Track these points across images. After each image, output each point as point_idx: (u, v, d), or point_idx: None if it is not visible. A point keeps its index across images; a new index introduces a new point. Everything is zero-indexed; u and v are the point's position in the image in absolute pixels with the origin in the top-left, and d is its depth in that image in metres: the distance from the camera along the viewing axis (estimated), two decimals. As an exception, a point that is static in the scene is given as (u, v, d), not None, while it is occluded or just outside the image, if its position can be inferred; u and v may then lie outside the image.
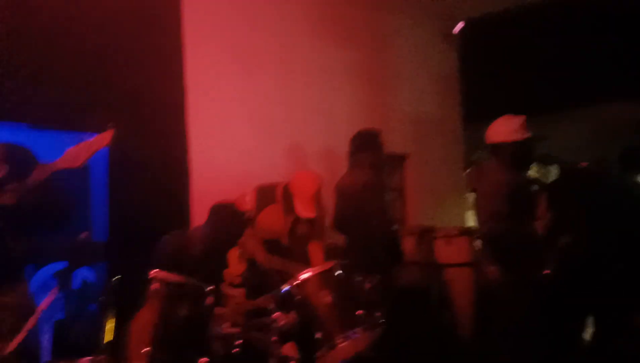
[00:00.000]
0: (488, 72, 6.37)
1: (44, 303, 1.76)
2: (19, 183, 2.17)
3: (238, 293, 3.17)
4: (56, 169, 2.17)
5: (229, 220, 2.92)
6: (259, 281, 3.18)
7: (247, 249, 3.20)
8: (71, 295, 4.46)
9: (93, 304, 4.13)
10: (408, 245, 4.40)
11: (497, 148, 2.95)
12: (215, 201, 3.22)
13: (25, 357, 2.27)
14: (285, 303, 2.13)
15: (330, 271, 2.21)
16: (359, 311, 2.14)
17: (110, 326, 1.88)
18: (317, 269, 2.20)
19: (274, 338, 2.09)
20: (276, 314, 2.11)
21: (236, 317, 2.53)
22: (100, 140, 2.18)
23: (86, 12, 3.58)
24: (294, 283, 2.13)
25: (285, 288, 2.14)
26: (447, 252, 4.42)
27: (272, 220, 3.32)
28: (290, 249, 3.34)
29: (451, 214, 5.75)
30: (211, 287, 2.01)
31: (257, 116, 4.44)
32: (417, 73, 5.80)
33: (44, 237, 2.55)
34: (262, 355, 2.23)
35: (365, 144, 3.61)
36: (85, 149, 2.17)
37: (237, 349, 2.05)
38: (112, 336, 1.88)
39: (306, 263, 3.39)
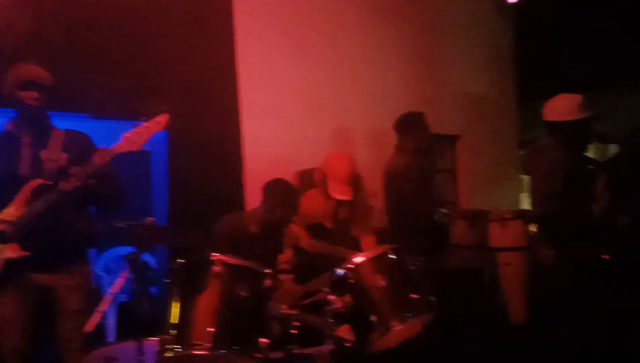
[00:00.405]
0: (544, 47, 6.13)
1: (115, 285, 1.86)
2: (81, 168, 2.24)
3: (287, 278, 3.26)
4: (116, 153, 2.23)
5: (281, 194, 2.98)
6: (306, 266, 3.24)
7: (291, 235, 3.27)
8: (133, 278, 4.70)
9: (154, 286, 4.35)
10: (460, 228, 4.36)
11: (554, 127, 2.86)
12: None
13: (94, 338, 2.44)
14: (340, 286, 2.17)
15: (384, 255, 2.23)
16: (413, 295, 2.15)
17: (174, 308, 1.97)
18: (371, 253, 2.22)
19: (329, 320, 2.13)
20: (331, 297, 2.15)
21: (292, 299, 2.61)
22: (156, 124, 2.22)
23: (139, 2, 3.69)
24: (348, 267, 2.16)
25: (340, 271, 2.17)
26: (501, 235, 4.35)
27: (313, 205, 3.34)
28: (335, 233, 3.37)
29: (505, 196, 5.63)
30: (269, 270, 2.07)
31: (308, 97, 4.47)
32: (470, 49, 5.65)
33: (107, 221, 2.70)
34: (318, 337, 2.30)
35: (410, 126, 3.58)
36: (142, 133, 2.21)
37: (295, 330, 2.12)
38: (177, 317, 1.96)
39: (351, 247, 3.43)
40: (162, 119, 2.19)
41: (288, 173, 3.63)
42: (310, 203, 3.35)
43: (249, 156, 4.06)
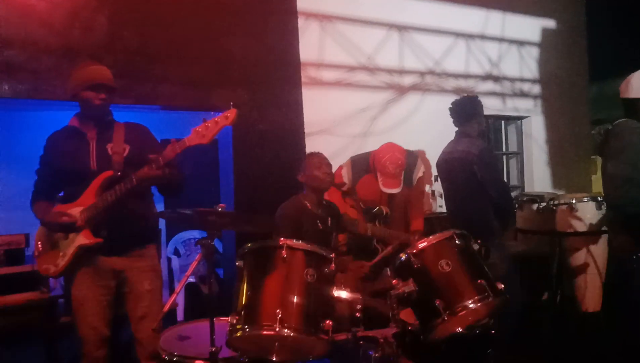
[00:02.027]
0: (616, 23, 5.75)
1: (190, 268, 1.96)
2: (154, 159, 2.35)
3: (349, 259, 3.30)
4: (186, 146, 2.31)
5: (318, 157, 3.06)
6: (362, 250, 3.25)
7: (346, 222, 3.28)
8: (202, 261, 4.91)
9: (219, 268, 4.52)
10: (527, 212, 4.22)
11: (632, 105, 2.70)
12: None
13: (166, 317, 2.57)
14: (404, 271, 2.17)
15: (449, 240, 2.21)
16: (480, 281, 2.12)
17: (243, 289, 2.05)
18: (435, 238, 2.20)
19: (393, 304, 2.15)
20: (395, 281, 2.17)
21: (355, 283, 2.65)
22: (224, 118, 2.26)
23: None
24: (413, 252, 2.16)
25: (404, 256, 2.17)
26: (570, 220, 4.17)
27: (368, 189, 3.35)
28: (390, 217, 3.35)
29: (575, 179, 5.38)
30: (333, 254, 2.10)
31: (366, 92, 4.45)
32: (539, 27, 5.41)
33: (179, 207, 2.83)
34: (381, 320, 2.32)
35: (472, 111, 3.50)
36: (211, 127, 2.26)
37: (359, 313, 2.15)
38: (246, 299, 2.04)
39: (407, 230, 3.41)
40: (230, 114, 2.23)
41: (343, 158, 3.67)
42: (366, 188, 3.35)
43: (311, 146, 4.11)
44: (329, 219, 3.10)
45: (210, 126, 2.26)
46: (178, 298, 4.61)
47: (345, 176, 3.48)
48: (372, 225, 3.25)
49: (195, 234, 5.22)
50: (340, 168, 3.55)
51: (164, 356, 2.17)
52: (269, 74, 3.97)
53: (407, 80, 4.71)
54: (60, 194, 2.65)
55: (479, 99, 3.55)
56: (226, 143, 3.94)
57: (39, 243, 2.59)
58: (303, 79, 4.15)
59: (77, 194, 2.49)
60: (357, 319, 2.14)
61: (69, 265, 2.48)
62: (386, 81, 4.59)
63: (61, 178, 2.59)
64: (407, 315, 2.23)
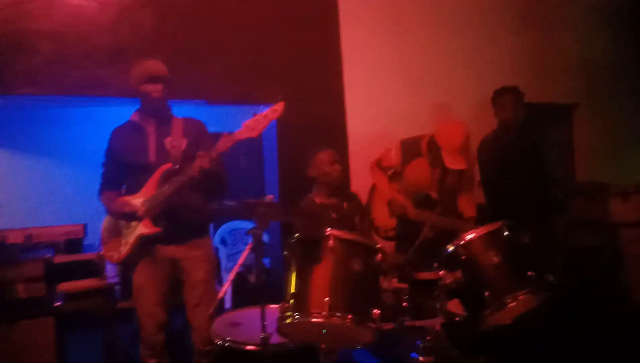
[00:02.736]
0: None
1: (242, 257, 2.02)
2: (207, 153, 2.43)
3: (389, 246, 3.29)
4: (237, 140, 2.38)
5: (329, 154, 3.15)
6: (411, 235, 3.22)
7: (395, 207, 3.28)
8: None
9: (265, 257, 4.62)
10: (579, 203, 4.11)
11: None
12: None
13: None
14: (451, 262, 2.17)
15: (498, 231, 2.19)
16: (529, 272, 2.09)
17: (292, 278, 2.11)
18: (483, 229, 2.19)
19: (440, 295, 2.15)
20: (442, 272, 2.17)
21: (401, 272, 2.66)
22: (273, 112, 2.32)
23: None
24: (460, 243, 2.15)
25: (451, 248, 2.17)
26: (623, 210, 4.04)
27: (419, 173, 3.29)
28: (440, 202, 3.31)
29: (628, 169, 5.17)
30: (379, 245, 2.13)
31: (410, 74, 4.41)
32: (585, 12, 5.20)
33: (228, 199, 2.91)
34: (428, 310, 2.33)
35: (504, 100, 3.43)
36: (260, 120, 2.33)
37: (406, 303, 2.17)
38: (295, 287, 2.09)
39: (457, 216, 3.35)
40: (279, 108, 2.30)
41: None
42: (416, 173, 3.30)
43: (353, 135, 4.12)
44: (344, 204, 3.17)
45: (259, 120, 2.33)
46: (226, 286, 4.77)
47: (395, 159, 3.43)
48: (424, 211, 3.19)
49: (241, 224, 5.34)
50: (389, 149, 3.48)
51: (217, 341, 2.25)
52: (310, 65, 3.99)
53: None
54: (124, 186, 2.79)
55: (515, 88, 3.53)
56: (270, 134, 4.00)
57: (105, 231, 2.74)
58: (346, 67, 4.15)
59: (138, 186, 2.61)
60: (403, 309, 2.16)
61: (130, 252, 2.60)
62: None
63: (124, 170, 2.71)
64: (455, 306, 2.22)
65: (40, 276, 2.51)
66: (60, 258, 2.98)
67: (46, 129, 5.17)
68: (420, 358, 2.14)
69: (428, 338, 2.17)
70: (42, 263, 2.52)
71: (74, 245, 3.28)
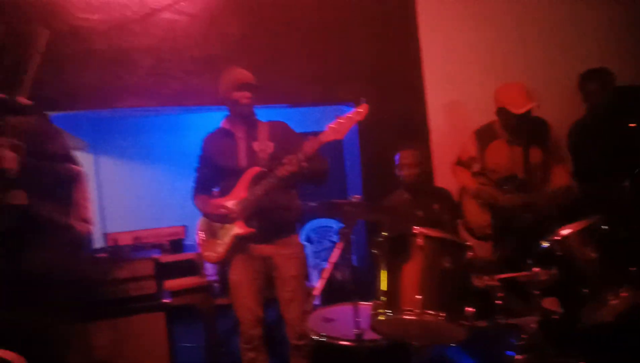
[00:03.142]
0: None
1: (333, 255, 2.09)
2: (295, 156, 2.51)
3: (486, 245, 3.23)
4: (323, 142, 2.44)
5: (411, 154, 3.20)
6: (507, 224, 3.14)
7: (484, 196, 3.21)
8: (333, 248, 5.13)
9: (352, 255, 4.69)
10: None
11: None
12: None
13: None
14: (546, 258, 2.12)
15: (594, 226, 2.11)
16: (631, 268, 2.00)
17: (383, 276, 2.15)
18: (580, 224, 2.11)
19: (535, 292, 2.11)
20: (536, 269, 2.12)
21: (491, 270, 2.62)
22: (357, 113, 2.36)
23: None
24: (555, 239, 2.10)
25: (546, 244, 2.12)
26: None
27: (499, 156, 3.21)
28: (528, 180, 3.16)
29: None
30: (469, 243, 2.12)
31: (491, 62, 4.27)
32: None
33: (309, 200, 3.01)
34: (522, 308, 2.29)
35: (591, 85, 3.29)
36: (345, 122, 2.38)
37: (499, 301, 2.14)
38: (385, 285, 2.14)
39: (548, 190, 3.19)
40: (362, 109, 2.33)
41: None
42: (496, 155, 3.22)
43: (435, 131, 4.08)
44: (434, 204, 3.14)
45: (343, 122, 2.38)
46: (314, 282, 4.91)
47: (472, 149, 3.37)
48: (513, 195, 3.10)
49: (326, 222, 5.46)
50: (464, 143, 3.44)
51: (312, 336, 2.35)
52: (390, 62, 3.99)
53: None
54: (216, 189, 2.97)
55: (603, 69, 3.39)
56: (351, 134, 4.05)
57: (201, 232, 2.94)
58: (425, 62, 4.11)
59: (230, 189, 2.77)
60: (497, 306, 2.14)
61: (227, 252, 2.76)
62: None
63: (216, 174, 2.89)
64: (551, 304, 2.17)
65: (151, 275, 2.73)
66: (165, 258, 3.23)
67: (147, 136, 5.58)
68: (516, 357, 2.12)
69: (523, 336, 2.14)
70: (151, 263, 2.74)
71: (176, 245, 3.54)
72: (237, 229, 2.71)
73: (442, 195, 3.33)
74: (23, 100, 1.19)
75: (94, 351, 2.53)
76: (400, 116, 3.97)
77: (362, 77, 3.91)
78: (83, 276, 2.41)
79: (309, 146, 2.48)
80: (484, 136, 3.29)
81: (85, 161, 5.24)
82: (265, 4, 3.76)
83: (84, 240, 1.22)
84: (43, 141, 1.17)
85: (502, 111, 3.12)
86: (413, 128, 4.03)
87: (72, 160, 1.22)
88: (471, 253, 2.11)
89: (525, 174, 3.14)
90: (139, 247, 3.28)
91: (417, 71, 4.07)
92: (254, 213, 2.72)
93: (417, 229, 2.10)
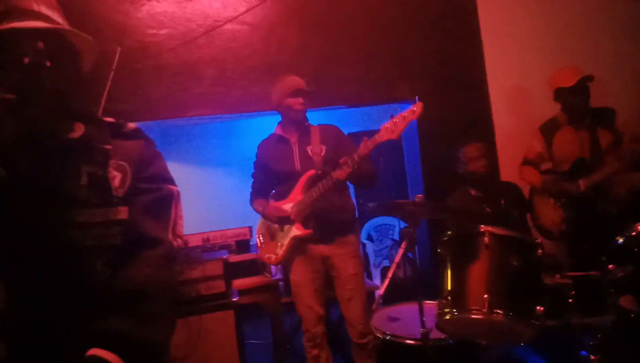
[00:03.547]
0: None
1: (398, 255, 2.11)
2: (350, 158, 2.53)
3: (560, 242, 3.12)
4: (377, 143, 2.44)
5: (475, 149, 3.10)
6: (581, 219, 3.03)
7: (552, 186, 3.13)
8: (394, 245, 5.13)
9: (410, 254, 4.67)
10: None
11: None
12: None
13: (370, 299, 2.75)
14: (621, 254, 2.04)
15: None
16: None
17: (448, 275, 2.15)
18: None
19: (611, 290, 2.03)
20: (611, 266, 2.04)
21: (563, 268, 2.54)
22: (411, 113, 2.33)
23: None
24: (631, 235, 2.01)
25: (621, 240, 2.04)
26: None
27: (566, 144, 3.14)
28: (597, 162, 3.04)
29: None
30: (539, 240, 2.07)
31: (556, 51, 4.12)
32: None
33: (369, 198, 3.03)
34: (596, 307, 2.21)
35: None
36: (399, 122, 2.35)
37: (571, 300, 2.08)
38: (450, 284, 2.13)
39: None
40: (417, 108, 2.29)
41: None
42: (563, 144, 3.16)
43: (500, 126, 3.99)
44: (502, 200, 3.05)
45: (398, 122, 2.37)
46: (376, 281, 4.93)
47: (538, 145, 3.30)
48: (584, 179, 2.99)
49: (386, 220, 5.46)
50: (529, 142, 3.37)
51: (378, 335, 2.37)
52: (450, 59, 3.94)
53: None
54: (273, 192, 3.06)
55: None
56: (411, 132, 4.03)
57: (260, 235, 3.04)
58: (487, 55, 4.03)
59: (286, 192, 2.86)
60: (569, 305, 2.08)
61: (286, 253, 2.85)
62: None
63: (272, 178, 2.99)
64: (628, 302, 2.08)
65: (220, 274, 2.84)
66: (232, 258, 3.35)
67: (212, 141, 5.80)
68: (591, 357, 2.05)
69: (599, 335, 2.06)
70: (221, 263, 2.85)
71: (242, 245, 3.67)
72: (296, 231, 2.78)
73: (510, 190, 3.24)
74: (131, 125, 1.31)
75: (170, 349, 2.67)
76: (462, 112, 3.92)
77: (421, 74, 3.89)
78: (177, 289, 2.56)
79: (364, 147, 2.49)
80: (549, 129, 3.25)
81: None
82: (322, 10, 3.82)
83: (178, 254, 1.32)
84: (146, 163, 1.28)
85: (558, 93, 3.14)
86: (477, 125, 3.96)
87: (170, 181, 1.34)
88: (540, 251, 2.06)
89: (594, 157, 3.04)
90: (208, 248, 3.43)
91: (479, 63, 3.99)
92: (311, 215, 2.79)
93: (483, 227, 2.08)
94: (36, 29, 1.11)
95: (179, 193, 1.35)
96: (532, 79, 4.03)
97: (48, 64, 1.13)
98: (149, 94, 3.53)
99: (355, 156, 2.52)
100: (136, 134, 1.32)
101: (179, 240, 1.30)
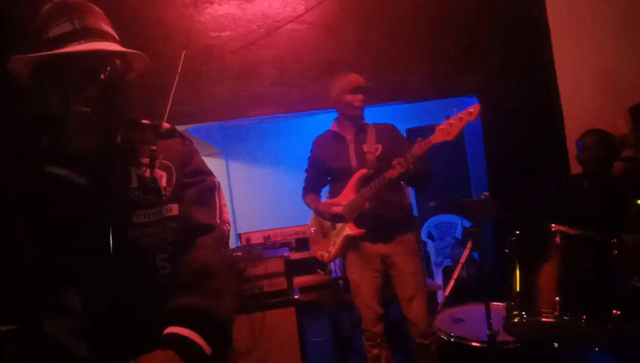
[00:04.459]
0: None
1: (464, 256, 2.07)
2: (404, 159, 2.51)
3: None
4: (432, 144, 2.41)
5: (592, 136, 2.81)
6: None
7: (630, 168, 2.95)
8: (457, 244, 5.02)
9: (475, 252, 4.55)
10: None
11: None
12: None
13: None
14: None
15: None
16: None
17: (517, 276, 2.07)
18: None
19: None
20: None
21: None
22: (468, 114, 2.29)
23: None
24: None
25: None
26: None
27: None
28: None
29: None
30: (615, 239, 1.96)
31: (631, 32, 3.86)
32: None
33: (428, 196, 2.97)
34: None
35: None
36: (455, 123, 2.32)
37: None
38: (519, 285, 2.06)
39: None
40: (474, 110, 2.26)
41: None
42: None
43: (570, 118, 3.79)
44: (606, 196, 2.82)
45: (454, 123, 2.33)
46: (437, 281, 4.84)
47: (624, 127, 3.10)
48: None
49: (446, 218, 5.35)
50: (616, 121, 3.17)
51: (442, 336, 2.33)
52: (514, 51, 3.79)
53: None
54: (326, 189, 3.07)
55: None
56: (474, 129, 3.92)
57: (313, 232, 3.06)
58: (555, 43, 3.84)
59: (340, 190, 2.87)
60: (650, 310, 1.96)
61: (338, 252, 2.88)
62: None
63: (325, 175, 3.01)
64: None
65: (282, 272, 2.89)
66: (293, 255, 3.40)
67: (271, 140, 5.91)
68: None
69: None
70: (282, 260, 2.91)
71: (302, 243, 3.72)
72: (349, 230, 2.79)
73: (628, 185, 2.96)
74: (166, 125, 1.39)
75: (234, 343, 2.75)
76: (528, 107, 3.76)
77: (485, 68, 3.77)
78: (237, 268, 2.65)
79: (418, 148, 2.47)
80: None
81: (218, 166, 5.75)
82: (380, 4, 3.78)
83: (228, 238, 1.40)
84: (187, 160, 1.37)
85: None
86: (545, 117, 3.78)
87: (210, 173, 1.42)
88: (616, 251, 1.94)
89: None
90: (269, 246, 3.50)
91: (547, 56, 3.81)
92: (365, 214, 2.78)
93: (555, 227, 1.99)
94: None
95: (219, 183, 1.44)
96: (604, 71, 3.81)
97: (125, 80, 1.24)
98: (212, 96, 3.63)
99: (409, 157, 2.50)
100: (173, 133, 1.40)
101: (227, 225, 1.38)
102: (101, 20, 1.25)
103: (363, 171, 2.78)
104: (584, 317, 1.87)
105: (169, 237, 1.28)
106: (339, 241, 2.85)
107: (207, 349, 1.16)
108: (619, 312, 1.85)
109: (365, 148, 2.84)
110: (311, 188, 3.09)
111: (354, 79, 2.87)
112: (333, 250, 2.88)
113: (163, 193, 1.29)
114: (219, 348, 1.22)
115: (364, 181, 2.75)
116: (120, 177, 1.25)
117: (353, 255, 2.89)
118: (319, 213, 2.96)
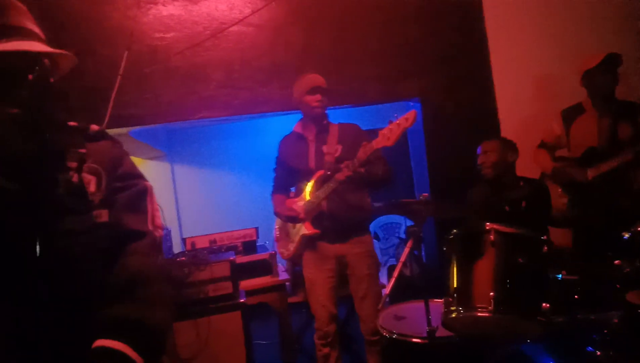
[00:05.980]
0: None
1: (404, 255, 2.12)
2: (350, 162, 2.58)
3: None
4: (374, 148, 2.48)
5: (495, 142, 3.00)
6: (591, 204, 3.02)
7: (560, 174, 3.14)
8: (401, 243, 5.13)
9: (416, 252, 4.67)
10: None
11: None
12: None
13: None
14: (629, 249, 2.03)
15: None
16: None
17: (453, 273, 2.15)
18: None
19: (617, 285, 2.03)
20: (617, 262, 2.04)
21: (571, 264, 2.53)
22: (405, 120, 2.35)
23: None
24: (637, 229, 2.01)
25: (627, 235, 2.03)
26: None
27: (585, 129, 3.14)
28: (609, 151, 3.02)
29: None
30: (545, 237, 2.07)
31: (562, 40, 4.08)
32: None
33: (383, 198, 3.04)
34: (604, 302, 2.20)
35: None
36: (394, 129, 2.38)
37: (577, 296, 2.08)
38: (456, 282, 2.14)
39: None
40: (410, 116, 2.33)
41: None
42: (582, 129, 3.15)
43: (505, 120, 3.98)
44: (523, 200, 2.97)
45: (393, 129, 2.39)
46: (382, 279, 4.93)
47: (557, 129, 3.30)
48: (592, 167, 3.00)
49: (392, 218, 5.47)
50: (549, 123, 3.36)
51: (384, 334, 2.38)
52: (454, 55, 3.94)
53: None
54: (292, 190, 3.10)
55: None
56: (416, 131, 4.04)
57: (278, 230, 3.11)
58: (492, 54, 4.02)
59: (300, 191, 2.91)
60: (576, 302, 2.08)
61: (296, 251, 2.92)
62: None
63: (290, 175, 3.03)
64: (635, 297, 2.08)
65: (227, 276, 2.86)
66: (239, 259, 3.37)
67: (217, 143, 5.83)
68: (597, 353, 2.04)
69: (605, 331, 2.06)
70: (228, 264, 2.88)
71: (249, 246, 3.69)
72: (305, 230, 2.83)
73: (537, 190, 3.16)
74: (94, 127, 1.34)
75: (178, 350, 2.71)
76: (467, 109, 3.91)
77: (426, 72, 3.88)
78: (170, 276, 2.60)
79: (363, 152, 2.54)
80: (571, 113, 3.26)
81: (163, 169, 5.63)
82: (327, 9, 3.83)
83: (161, 244, 1.37)
84: (117, 163, 1.32)
85: (585, 76, 3.13)
86: (482, 120, 3.95)
87: (141, 177, 1.38)
88: (546, 247, 2.06)
89: (609, 147, 3.02)
90: (215, 250, 3.45)
91: (484, 59, 3.98)
92: (321, 215, 2.82)
93: (489, 225, 2.08)
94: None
95: (151, 187, 1.40)
96: (539, 73, 4.02)
97: (52, 80, 1.19)
98: (158, 98, 3.56)
99: (355, 161, 2.56)
100: (102, 135, 1.35)
101: (160, 231, 1.35)
102: (25, 18, 1.20)
103: (320, 172, 2.82)
104: (517, 311, 1.97)
105: (100, 245, 1.22)
106: (296, 239, 2.89)
107: (138, 361, 1.13)
108: (548, 305, 1.95)
109: (325, 148, 2.87)
110: (279, 187, 3.11)
111: (313, 79, 2.89)
112: (292, 248, 2.94)
113: (91, 198, 1.23)
114: (152, 360, 1.18)
115: (321, 183, 2.78)
116: (48, 182, 1.19)
117: (310, 254, 2.93)
118: (276, 214, 3.00)
